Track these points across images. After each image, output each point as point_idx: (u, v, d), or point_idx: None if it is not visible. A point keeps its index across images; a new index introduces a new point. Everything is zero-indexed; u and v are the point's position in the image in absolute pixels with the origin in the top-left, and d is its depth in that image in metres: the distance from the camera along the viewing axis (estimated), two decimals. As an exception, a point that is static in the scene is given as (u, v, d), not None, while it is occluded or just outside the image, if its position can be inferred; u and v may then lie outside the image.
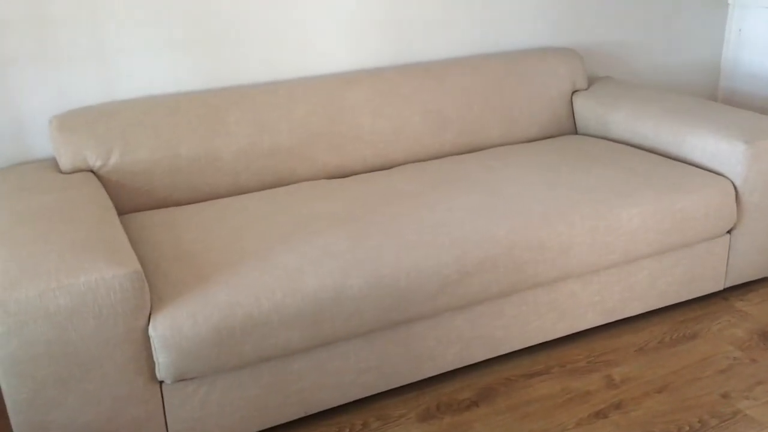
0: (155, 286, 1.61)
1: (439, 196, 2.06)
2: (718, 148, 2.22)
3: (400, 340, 1.82)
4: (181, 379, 1.58)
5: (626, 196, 2.05)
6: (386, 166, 2.44)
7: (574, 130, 2.77)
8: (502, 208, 1.96)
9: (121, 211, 2.10)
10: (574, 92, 2.77)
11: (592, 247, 1.97)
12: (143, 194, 2.12)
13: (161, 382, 1.59)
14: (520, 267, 1.88)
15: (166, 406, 1.61)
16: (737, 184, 2.19)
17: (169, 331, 1.53)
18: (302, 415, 1.76)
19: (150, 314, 1.54)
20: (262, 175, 2.26)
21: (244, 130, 2.23)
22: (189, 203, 2.18)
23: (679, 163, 2.29)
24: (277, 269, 1.67)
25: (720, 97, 3.39)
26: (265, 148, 2.25)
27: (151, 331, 1.53)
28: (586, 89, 2.78)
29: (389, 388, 1.86)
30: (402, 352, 1.84)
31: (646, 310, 2.20)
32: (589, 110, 2.68)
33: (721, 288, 2.31)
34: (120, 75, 2.20)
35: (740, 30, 3.25)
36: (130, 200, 2.11)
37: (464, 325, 1.90)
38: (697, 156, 2.28)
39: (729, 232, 2.25)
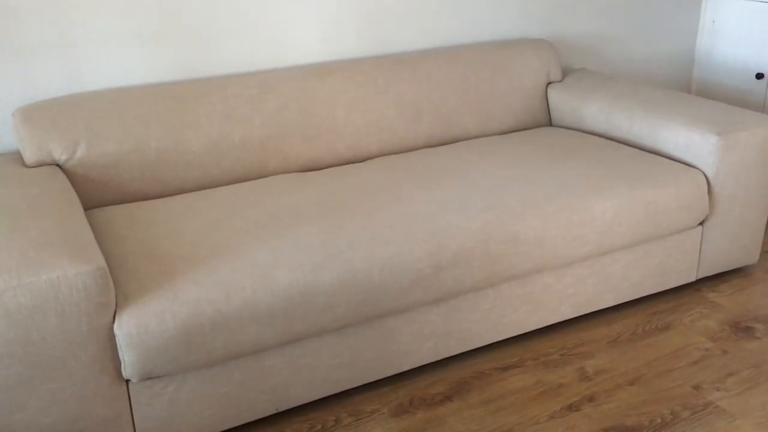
0: (121, 283, 1.58)
1: (413, 189, 2.04)
2: (690, 140, 2.22)
3: (374, 335, 1.81)
4: (148, 377, 1.55)
5: (600, 188, 2.05)
6: (360, 158, 2.41)
7: (549, 122, 2.76)
8: (477, 202, 1.95)
9: (88, 206, 2.05)
10: (548, 84, 2.76)
11: (566, 239, 1.97)
12: (111, 188, 2.07)
13: (128, 381, 1.56)
14: (495, 260, 1.87)
15: (133, 406, 1.57)
16: (709, 175, 2.19)
17: (134, 329, 1.49)
18: (273, 411, 1.74)
19: (115, 312, 1.51)
20: (234, 169, 2.22)
21: (215, 123, 2.19)
22: (158, 197, 2.14)
23: (653, 155, 2.29)
24: (247, 264, 1.64)
25: (693, 88, 3.41)
26: (236, 141, 2.21)
27: (116, 330, 1.49)
28: (560, 81, 2.77)
29: (362, 383, 1.84)
30: (375, 347, 1.82)
31: (620, 302, 2.21)
32: (563, 102, 2.68)
33: (694, 279, 2.32)
34: (86, 66, 2.15)
35: (714, 21, 3.26)
36: (97, 194, 2.06)
37: (438, 319, 1.89)
38: (670, 148, 2.29)
39: (701, 223, 2.26)
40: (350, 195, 2.00)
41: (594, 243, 2.02)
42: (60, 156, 2.01)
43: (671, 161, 2.24)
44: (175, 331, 1.52)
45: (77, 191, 2.03)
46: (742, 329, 2.12)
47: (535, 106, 2.72)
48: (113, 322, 1.50)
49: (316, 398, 1.79)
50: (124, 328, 1.49)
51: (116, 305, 1.52)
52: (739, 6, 3.12)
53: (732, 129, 2.19)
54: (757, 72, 3.09)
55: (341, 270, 1.68)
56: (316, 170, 2.33)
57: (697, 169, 2.21)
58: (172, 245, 1.72)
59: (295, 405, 1.77)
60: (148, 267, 1.63)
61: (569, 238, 1.97)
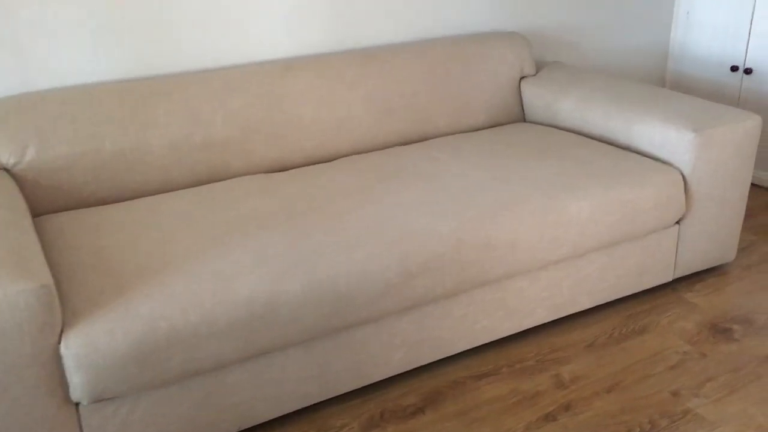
0: (69, 299, 1.48)
1: (383, 191, 1.96)
2: (666, 137, 2.17)
3: (342, 347, 1.73)
4: (98, 399, 1.45)
5: (575, 188, 1.98)
6: (328, 158, 2.32)
7: (523, 118, 2.70)
8: (448, 204, 1.87)
9: (39, 212, 1.94)
10: (522, 78, 2.69)
11: (540, 242, 1.90)
12: (64, 193, 1.97)
13: (77, 404, 1.46)
14: (467, 266, 1.80)
15: (83, 429, 1.48)
16: (686, 173, 2.14)
17: (82, 349, 1.40)
18: (236, 430, 1.65)
19: (62, 331, 1.41)
20: (195, 170, 2.12)
21: (175, 122, 2.09)
22: (115, 201, 2.03)
23: (628, 152, 2.24)
24: (206, 276, 1.55)
25: (668, 80, 3.36)
26: (197, 142, 2.11)
27: (62, 350, 1.40)
28: (534, 75, 2.70)
29: (330, 396, 1.76)
30: (343, 359, 1.74)
31: (596, 304, 2.15)
32: (537, 97, 2.61)
33: (670, 279, 2.27)
34: (37, 63, 2.03)
35: (688, 13, 3.22)
36: (48, 200, 1.95)
37: (409, 328, 1.82)
38: (645, 145, 2.23)
39: (678, 222, 2.21)
40: (316, 198, 1.91)
41: (569, 245, 1.96)
42: (8, 160, 1.89)
43: (647, 159, 2.18)
44: (126, 349, 1.42)
45: (27, 197, 1.92)
46: (719, 331, 2.08)
47: (509, 102, 2.65)
48: (59, 342, 1.40)
49: (283, 414, 1.71)
50: (72, 348, 1.40)
51: (63, 324, 1.42)
52: (714, -3, 3.08)
53: (708, 125, 2.13)
54: (732, 65, 3.05)
55: (306, 280, 1.60)
56: (282, 171, 2.24)
57: (674, 166, 2.15)
58: (126, 256, 1.63)
59: (260, 422, 1.69)
60: (99, 280, 1.53)
61: (544, 241, 1.91)
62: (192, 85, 2.14)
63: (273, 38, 2.36)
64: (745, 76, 3.01)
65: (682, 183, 2.13)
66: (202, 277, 1.55)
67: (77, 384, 1.42)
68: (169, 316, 1.46)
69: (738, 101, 3.06)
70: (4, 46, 1.97)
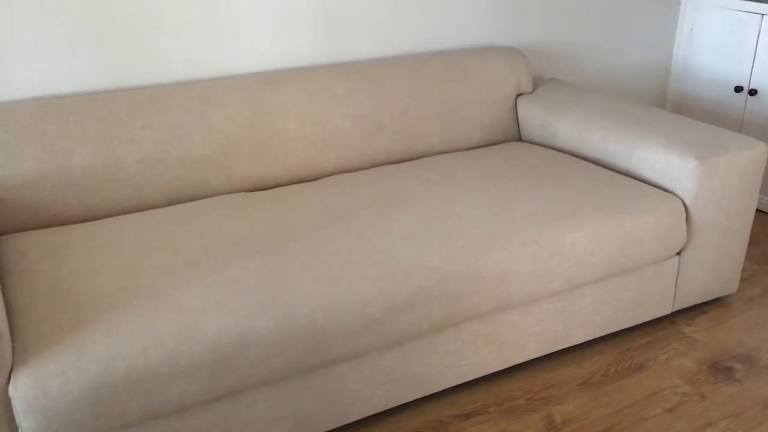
0: (22, 335, 1.36)
1: (368, 216, 1.85)
2: (668, 163, 2.06)
3: (318, 385, 1.61)
4: (49, 446, 1.34)
5: (571, 218, 1.88)
6: (313, 176, 2.21)
7: (519, 137, 2.59)
8: (437, 233, 1.76)
9: (2, 231, 1.83)
10: (518, 96, 2.58)
11: (532, 275, 1.79)
12: (29, 212, 1.85)
13: (25, 451, 1.35)
14: (455, 300, 1.69)
15: (33, 477, 1.36)
16: (688, 202, 2.04)
17: (32, 392, 1.28)
18: (202, 475, 1.54)
19: (11, 371, 1.29)
20: (171, 189, 2.01)
21: (150, 137, 1.97)
22: (84, 221, 1.92)
23: (628, 178, 2.13)
24: (171, 311, 1.44)
25: (669, 99, 3.26)
26: (173, 158, 2.00)
27: (11, 392, 1.28)
28: (531, 92, 2.60)
29: (306, 437, 1.65)
30: (320, 398, 1.63)
31: (591, 338, 2.04)
32: (534, 116, 2.50)
33: (669, 312, 2.16)
34: (3, 73, 1.91)
35: (692, 30, 3.12)
36: (12, 218, 1.84)
37: (392, 365, 1.70)
38: (646, 171, 2.13)
39: (678, 253, 2.10)
40: (295, 223, 1.80)
41: (563, 277, 1.85)
42: (-32, 175, 1.78)
43: (647, 186, 2.08)
44: (80, 392, 1.31)
45: (-12, 215, 1.81)
46: (720, 370, 1.97)
47: (504, 120, 2.55)
48: (8, 383, 1.29)
49: (253, 455, 1.60)
50: (21, 390, 1.28)
51: (13, 363, 1.30)
52: (719, 15, 2.98)
53: (713, 152, 2.03)
54: (736, 85, 2.95)
55: (279, 316, 1.49)
56: (264, 189, 2.13)
57: (675, 194, 2.05)
58: (87, 285, 1.51)
59: (228, 464, 1.57)
60: (56, 314, 1.42)
61: (537, 273, 1.80)
62: (170, 97, 2.03)
63: (258, 50, 2.25)
64: (749, 97, 2.91)
65: (684, 212, 2.03)
66: (166, 312, 1.43)
67: (27, 428, 1.30)
68: (128, 355, 1.35)
69: (742, 123, 2.96)
70: (-31, 54, 1.86)
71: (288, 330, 1.49)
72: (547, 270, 1.81)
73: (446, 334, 1.76)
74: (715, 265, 2.17)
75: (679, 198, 2.04)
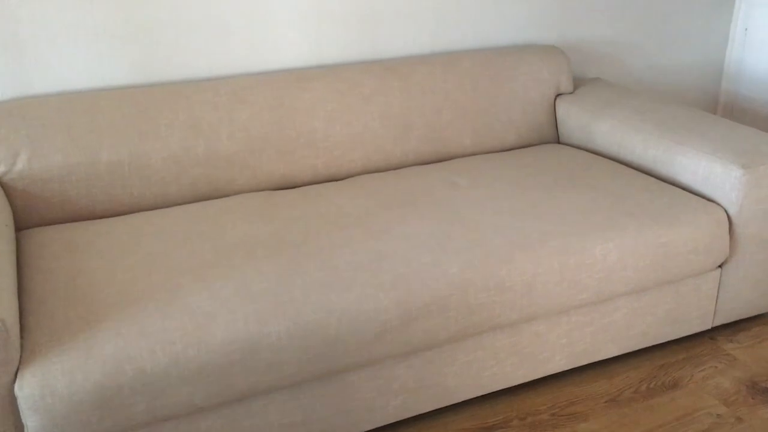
0: (32, 332, 1.36)
1: (389, 220, 1.80)
2: (711, 171, 1.95)
3: (331, 392, 1.58)
4: (54, 446, 1.34)
5: (603, 227, 1.79)
6: (340, 176, 2.17)
7: (557, 138, 2.50)
8: (458, 239, 1.70)
9: (27, 225, 1.84)
10: (557, 96, 2.49)
11: (559, 286, 1.72)
12: (55, 206, 1.86)
13: (31, 450, 1.35)
14: (475, 310, 1.63)
15: (38, 476, 1.36)
16: (731, 213, 1.93)
17: (38, 391, 1.28)
18: (210, 480, 1.52)
19: (18, 369, 1.29)
20: (196, 186, 2.00)
21: (177, 134, 1.96)
22: (109, 216, 1.92)
23: (668, 186, 2.03)
24: (181, 313, 1.42)
25: (721, 102, 3.11)
26: (200, 155, 1.99)
27: (17, 391, 1.28)
28: (571, 93, 2.51)
29: (318, 445, 1.61)
30: (333, 405, 1.59)
31: (623, 352, 1.95)
32: (573, 117, 2.41)
33: (709, 327, 2.06)
34: (34, 67, 1.93)
35: (746, 29, 2.96)
36: (39, 212, 1.85)
37: (408, 374, 1.65)
38: (688, 178, 2.02)
39: (720, 266, 1.99)
40: (316, 225, 1.77)
41: (593, 290, 1.77)
42: (-4, 169, 1.80)
43: (688, 194, 1.97)
44: (86, 394, 1.30)
45: (15, 209, 1.82)
46: (760, 391, 1.86)
47: (542, 121, 2.46)
48: (14, 382, 1.28)
49: (264, 461, 1.57)
50: (26, 389, 1.28)
51: (20, 361, 1.30)
52: (776, 13, 2.82)
53: (760, 161, 1.91)
54: (793, 88, 2.80)
55: (291, 321, 1.45)
56: (289, 188, 2.10)
57: (718, 204, 1.94)
58: (101, 283, 1.50)
59: (238, 469, 1.55)
60: (68, 312, 1.41)
61: (564, 285, 1.72)
62: (197, 94, 2.01)
63: (288, 47, 2.22)
64: (806, 100, 2.75)
65: (727, 223, 1.92)
66: (176, 314, 1.41)
67: (33, 428, 1.30)
68: (136, 357, 1.34)
69: (797, 128, 2.80)
70: (1, 48, 1.87)
71: (299, 336, 1.45)
72: (574, 282, 1.73)
73: (466, 345, 1.70)
74: (759, 279, 2.05)
75: (723, 208, 1.93)
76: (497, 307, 1.66)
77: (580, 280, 1.74)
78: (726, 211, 1.93)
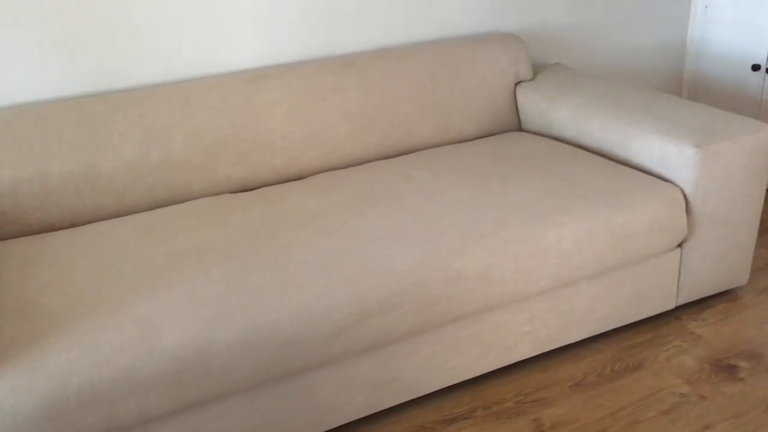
0: (-22, 350, 1.35)
1: (345, 216, 1.79)
2: (665, 151, 1.95)
3: (291, 394, 1.57)
4: (5, 463, 1.33)
5: (557, 213, 1.79)
6: (301, 175, 2.17)
7: (519, 126, 2.50)
8: (413, 233, 1.70)
9: (-19, 242, 1.83)
10: (517, 84, 2.49)
11: (516, 274, 1.72)
12: (7, 220, 1.85)
13: (-19, 468, 1.34)
14: (432, 303, 1.63)
15: (-9, 494, 1.36)
16: (687, 192, 1.93)
17: (-16, 409, 1.27)
18: (170, 487, 1.51)
19: (-37, 388, 1.28)
20: (153, 193, 1.98)
21: (130, 142, 1.95)
22: (64, 227, 1.91)
23: (624, 168, 2.03)
24: (129, 323, 1.41)
25: (686, 80, 3.12)
26: (154, 162, 1.98)
27: (-37, 410, 1.27)
28: (531, 80, 2.50)
29: (280, 446, 1.61)
30: (294, 407, 1.59)
31: (589, 336, 1.96)
32: (533, 104, 2.41)
33: (673, 306, 2.06)
34: (-20, 82, 1.91)
35: (706, 7, 2.97)
36: (-8, 228, 1.84)
37: (369, 370, 1.65)
38: (644, 160, 2.02)
39: (680, 245, 2.00)
40: (270, 226, 1.76)
41: (550, 276, 1.77)
42: (-55, 187, 1.78)
43: (644, 175, 1.98)
44: (33, 408, 1.29)
45: (-33, 226, 1.81)
46: (723, 368, 1.87)
47: (503, 109, 2.46)
48: (-40, 401, 1.28)
49: (226, 466, 1.57)
50: (-28, 407, 1.27)
51: (-35, 379, 1.29)
52: (734, -10, 2.83)
53: (713, 139, 1.92)
54: (754, 63, 2.80)
55: (243, 325, 1.45)
56: (249, 190, 2.09)
57: (674, 184, 1.94)
58: (51, 296, 1.49)
59: (200, 475, 1.55)
60: (16, 326, 1.40)
61: (520, 273, 1.72)
62: (149, 99, 2.00)
63: (242, 47, 2.20)
64: (767, 75, 2.76)
65: (684, 202, 1.92)
66: (125, 324, 1.40)
67: (-19, 445, 1.29)
68: (83, 369, 1.33)
69: (760, 102, 2.81)
70: (-56, 65, 1.86)
71: (251, 339, 1.45)
72: (531, 269, 1.74)
73: (426, 338, 1.70)
74: (721, 256, 2.06)
75: (679, 188, 1.93)
76: (454, 299, 1.66)
77: (536, 267, 1.74)
78: (682, 191, 1.93)
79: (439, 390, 1.82)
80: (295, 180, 2.15)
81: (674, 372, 1.87)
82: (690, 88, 3.10)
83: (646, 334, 2.03)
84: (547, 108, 2.35)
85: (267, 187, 2.07)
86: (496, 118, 2.45)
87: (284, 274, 1.56)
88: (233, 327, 1.44)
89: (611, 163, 2.07)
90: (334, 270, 1.57)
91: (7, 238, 1.85)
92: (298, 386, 1.57)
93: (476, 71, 2.40)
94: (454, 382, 1.79)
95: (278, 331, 1.47)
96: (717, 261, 2.06)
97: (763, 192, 2.05)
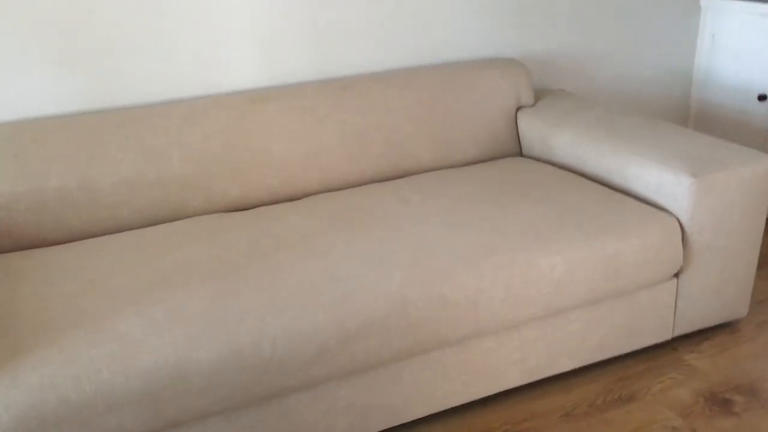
0: (-42, 363, 1.35)
1: (335, 238, 1.79)
2: (662, 180, 1.94)
3: (272, 417, 1.56)
4: (-22, 478, 1.33)
5: (550, 240, 1.77)
6: (297, 196, 2.17)
7: (519, 151, 2.49)
8: (401, 256, 1.69)
9: (-25, 255, 1.84)
10: (519, 109, 2.49)
11: (506, 301, 1.70)
12: (3, 234, 1.86)
13: (-46, 482, 1.34)
14: (417, 327, 1.61)
15: None
16: (684, 221, 1.91)
17: (-41, 423, 1.27)
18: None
19: (-61, 401, 1.28)
20: (149, 209, 1.99)
21: (128, 158, 1.97)
22: (59, 243, 1.92)
23: (621, 196, 2.01)
24: (110, 340, 1.41)
25: (692, 109, 3.10)
26: (151, 179, 1.99)
27: (-62, 423, 1.27)
28: (532, 105, 2.50)
29: (261, 469, 1.60)
30: (275, 429, 1.57)
31: (580, 365, 1.93)
32: (533, 130, 2.40)
33: (669, 338, 2.03)
34: (-18, 97, 1.94)
35: (713, 36, 2.96)
36: (-14, 241, 1.85)
37: (353, 394, 1.64)
38: (641, 188, 2.01)
39: (676, 275, 1.97)
40: (259, 247, 1.76)
41: (541, 304, 1.75)
42: (-58, 199, 1.80)
43: (640, 204, 1.96)
44: (10, 424, 1.29)
45: (-39, 239, 1.82)
46: (718, 402, 1.83)
47: (503, 134, 2.45)
48: (-64, 414, 1.28)
49: (205, 487, 1.55)
50: (-53, 421, 1.27)
51: (-58, 392, 1.30)
52: (742, 20, 2.81)
53: (710, 168, 1.90)
54: (760, 93, 2.78)
55: (222, 345, 1.44)
56: (245, 209, 2.10)
57: (670, 213, 1.92)
58: (34, 311, 1.50)
59: (178, 496, 1.53)
60: (-3, 341, 1.41)
61: (510, 300, 1.70)
62: (148, 118, 2.02)
63: (242, 68, 2.22)
64: (773, 106, 2.74)
65: (680, 232, 1.90)
66: (105, 342, 1.40)
67: (-45, 459, 1.29)
68: (60, 384, 1.33)
69: (766, 133, 2.78)
70: (-53, 80, 1.89)
71: (230, 360, 1.44)
72: (522, 296, 1.72)
73: (413, 363, 1.68)
74: (719, 288, 2.03)
75: (675, 217, 1.91)
76: (441, 324, 1.64)
77: (527, 294, 1.72)
78: (678, 220, 1.91)
79: (424, 417, 1.80)
80: (291, 200, 2.15)
81: (668, 405, 1.83)
82: (698, 117, 3.08)
83: (640, 365, 2.00)
84: (548, 134, 2.34)
85: (261, 207, 2.07)
86: (496, 143, 2.44)
87: (268, 296, 1.55)
88: (212, 347, 1.43)
89: (608, 190, 2.05)
90: (318, 292, 1.57)
91: (2, 252, 1.87)
92: (278, 409, 1.56)
93: (477, 95, 2.40)
94: (441, 410, 1.77)
95: (259, 351, 1.46)
96: (715, 292, 2.03)
97: (763, 223, 2.02)
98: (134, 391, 1.37)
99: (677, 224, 1.90)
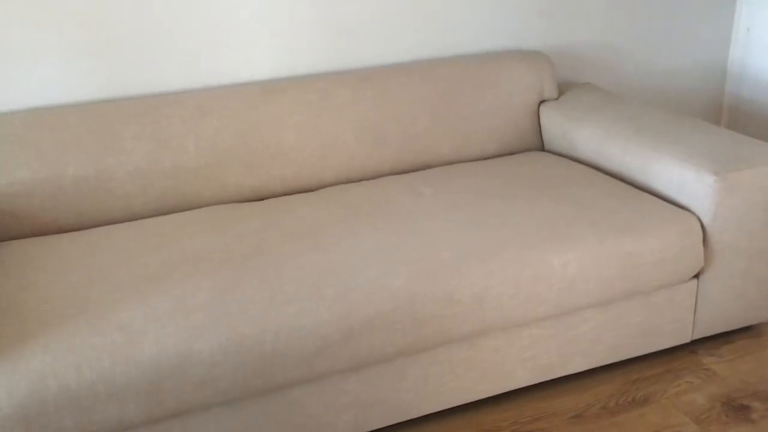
0: (-36, 347, 1.38)
1: (344, 231, 1.78)
2: (684, 178, 1.88)
3: (275, 409, 1.56)
4: (-20, 461, 1.35)
5: (563, 237, 1.73)
6: (312, 187, 2.15)
7: (541, 146, 2.44)
8: (408, 251, 1.67)
9: (-8, 240, 1.88)
10: (541, 102, 2.44)
11: (515, 298, 1.67)
12: (21, 220, 1.89)
13: (-42, 465, 1.36)
14: (423, 323, 1.59)
15: (-32, 491, 1.38)
16: (705, 221, 1.85)
17: (-38, 407, 1.29)
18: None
19: (-57, 385, 1.31)
20: (163, 199, 2.00)
21: (143, 147, 1.98)
22: (75, 230, 1.94)
23: (642, 193, 1.96)
24: (112, 329, 1.42)
25: (726, 105, 3.00)
26: (166, 168, 2.00)
27: (-58, 406, 1.30)
28: (555, 99, 2.45)
29: (263, 461, 1.59)
30: (277, 421, 1.57)
31: (595, 366, 1.89)
32: (555, 124, 2.36)
33: (688, 340, 1.97)
34: (0, 83, 1.96)
35: (749, 29, 2.86)
36: (4, 227, 1.88)
37: (358, 389, 1.62)
38: (662, 186, 1.95)
39: (696, 276, 1.91)
40: (268, 237, 1.75)
41: (553, 302, 1.71)
42: (-39, 185, 1.84)
43: (660, 202, 1.90)
44: (10, 410, 1.31)
45: (-21, 224, 1.86)
46: (735, 408, 1.78)
47: (525, 128, 2.41)
48: (-60, 397, 1.30)
49: (207, 477, 1.56)
50: (-50, 404, 1.29)
51: (-53, 376, 1.32)
52: (778, 12, 2.72)
53: (734, 167, 1.83)
54: (795, 89, 2.68)
55: (224, 337, 1.44)
56: (258, 200, 2.09)
57: (691, 212, 1.86)
58: (41, 298, 1.51)
59: (180, 485, 1.54)
60: (2, 327, 1.42)
61: (520, 298, 1.67)
62: (163, 107, 2.02)
63: (258, 58, 2.22)
64: (808, 102, 2.64)
65: (701, 232, 1.84)
66: (106, 330, 1.41)
67: (-41, 442, 1.31)
68: (61, 372, 1.34)
69: (801, 130, 2.69)
70: (-32, 67, 1.92)
71: (232, 352, 1.44)
72: (532, 294, 1.68)
73: (419, 359, 1.66)
74: (742, 290, 1.96)
75: (696, 216, 1.85)
76: (447, 320, 1.62)
77: (537, 292, 1.69)
78: (700, 220, 1.85)
79: (431, 414, 1.77)
80: (306, 192, 2.14)
81: (683, 409, 1.78)
82: (731, 113, 2.99)
83: (657, 367, 1.94)
84: (570, 128, 2.29)
85: (274, 198, 2.06)
86: (517, 137, 2.40)
87: (273, 287, 1.54)
88: (214, 339, 1.43)
89: (628, 187, 2.00)
90: (323, 285, 1.56)
91: (18, 238, 1.89)
92: (281, 401, 1.56)
93: (499, 88, 2.36)
94: (448, 407, 1.75)
95: (261, 343, 1.46)
96: (737, 294, 1.96)
97: (790, 224, 1.94)
98: (135, 380, 1.38)
99: (698, 223, 1.84)
